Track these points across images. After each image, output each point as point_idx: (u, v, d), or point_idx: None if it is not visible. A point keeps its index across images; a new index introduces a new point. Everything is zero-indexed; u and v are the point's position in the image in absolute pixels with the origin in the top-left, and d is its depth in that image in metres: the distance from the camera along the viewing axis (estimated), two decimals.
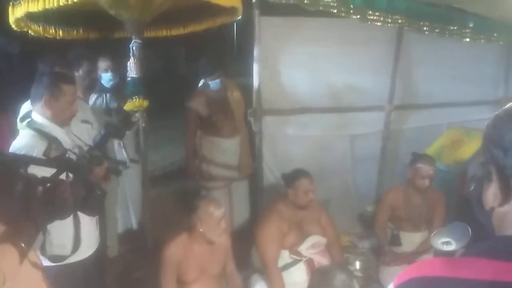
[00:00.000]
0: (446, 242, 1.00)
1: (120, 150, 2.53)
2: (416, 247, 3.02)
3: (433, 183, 2.94)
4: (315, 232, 2.67)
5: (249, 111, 3.34)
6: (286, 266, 2.58)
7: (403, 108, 3.65)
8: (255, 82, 3.23)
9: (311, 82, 3.40)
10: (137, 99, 2.63)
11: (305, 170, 2.67)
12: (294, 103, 3.37)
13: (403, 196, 3.04)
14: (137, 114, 2.84)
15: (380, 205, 3.16)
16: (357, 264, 3.05)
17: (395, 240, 3.07)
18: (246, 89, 3.43)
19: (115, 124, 2.90)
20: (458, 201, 3.32)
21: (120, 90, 3.08)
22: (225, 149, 3.42)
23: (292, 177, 2.64)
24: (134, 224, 3.58)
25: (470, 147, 3.31)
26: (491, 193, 0.73)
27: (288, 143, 3.41)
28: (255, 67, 3.14)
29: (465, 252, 0.74)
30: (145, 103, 2.67)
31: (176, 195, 4.29)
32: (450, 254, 0.93)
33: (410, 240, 3.05)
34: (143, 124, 2.82)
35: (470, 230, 1.00)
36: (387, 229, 3.14)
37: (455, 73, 3.67)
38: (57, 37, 2.95)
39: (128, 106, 2.66)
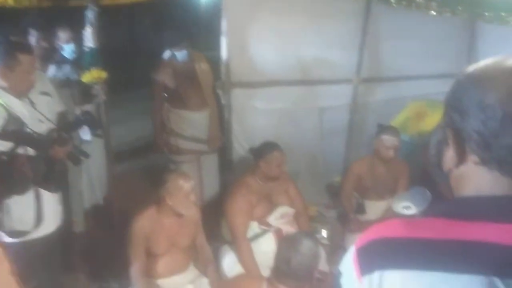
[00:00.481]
0: (407, 207, 1.02)
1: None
2: (380, 215, 3.14)
3: (397, 153, 3.03)
4: (284, 203, 2.72)
5: (217, 83, 3.29)
6: (255, 237, 2.62)
7: (370, 81, 3.69)
8: (223, 54, 3.17)
9: (280, 54, 3.37)
10: (95, 71, 2.53)
11: (276, 143, 2.69)
12: (262, 76, 3.34)
13: (368, 166, 3.12)
14: (97, 87, 2.74)
15: (347, 175, 3.23)
16: (324, 232, 3.13)
17: (360, 209, 3.17)
18: (214, 62, 3.37)
19: (93, 114, 2.80)
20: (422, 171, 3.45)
21: (81, 61, 2.96)
22: (194, 122, 3.38)
23: (264, 150, 2.65)
24: (100, 200, 3.52)
25: (433, 119, 3.41)
26: (449, 156, 0.74)
27: (257, 116, 3.40)
28: (223, 40, 3.07)
29: (424, 213, 0.76)
30: (104, 74, 2.58)
31: (144, 170, 4.24)
32: (410, 218, 0.96)
33: (375, 208, 3.16)
34: (104, 97, 2.73)
35: (430, 194, 1.03)
36: (353, 199, 3.23)
37: (420, 47, 3.73)
38: (6, 5, 2.76)
39: (86, 77, 2.57)
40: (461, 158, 0.71)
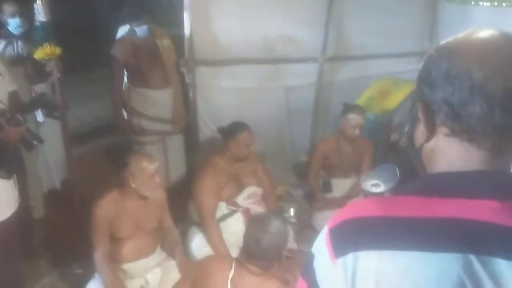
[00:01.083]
0: (375, 184, 1.01)
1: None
2: (346, 192, 3.19)
3: (362, 132, 3.07)
4: (252, 183, 2.70)
5: (181, 61, 3.18)
6: (223, 217, 2.60)
7: (335, 60, 3.68)
8: (187, 31, 3.06)
9: (244, 32, 3.29)
10: (48, 46, 2.37)
11: (245, 123, 2.65)
12: (227, 54, 3.26)
13: (334, 145, 3.15)
14: (51, 64, 2.57)
15: (313, 154, 3.25)
16: (292, 211, 3.16)
17: (327, 187, 3.21)
18: (177, 39, 3.25)
19: (51, 98, 2.63)
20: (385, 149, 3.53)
21: (32, 37, 2.76)
22: (157, 102, 3.25)
23: (233, 130, 2.61)
24: (57, 184, 3.36)
25: (397, 97, 3.47)
26: (420, 131, 0.74)
27: (222, 95, 3.33)
28: (186, 16, 2.96)
29: (397, 191, 0.75)
30: (57, 50, 2.43)
31: (104, 152, 4.08)
32: (379, 196, 0.95)
33: (341, 186, 3.22)
34: (58, 75, 2.57)
35: (398, 171, 1.02)
36: (319, 177, 3.27)
37: (384, 26, 3.75)
38: None
39: (38, 53, 2.41)
40: (431, 131, 0.71)
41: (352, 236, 0.67)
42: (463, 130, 0.66)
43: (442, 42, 0.71)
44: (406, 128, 0.81)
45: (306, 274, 0.76)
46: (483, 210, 0.64)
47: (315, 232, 3.06)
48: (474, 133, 0.65)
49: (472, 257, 0.61)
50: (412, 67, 3.97)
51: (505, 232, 0.62)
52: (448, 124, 0.67)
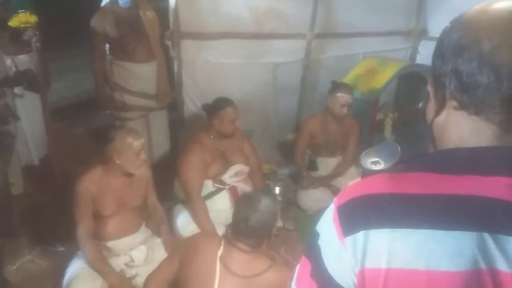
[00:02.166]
0: (375, 162, 0.98)
1: None
2: (331, 171, 3.20)
3: (349, 111, 3.05)
4: (238, 161, 2.67)
5: (165, 34, 3.07)
6: (210, 195, 2.57)
7: (323, 37, 3.64)
8: (172, 2, 2.95)
9: (232, 5, 3.20)
10: (23, 14, 2.25)
11: (229, 99, 2.58)
12: (214, 27, 3.17)
13: (321, 123, 3.14)
14: (28, 33, 2.44)
15: (300, 132, 3.23)
16: (277, 190, 3.15)
17: (313, 165, 3.21)
18: (162, 11, 3.12)
19: (35, 74, 2.50)
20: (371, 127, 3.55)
21: (7, 4, 2.61)
22: (140, 76, 3.14)
23: (217, 106, 2.54)
24: (36, 160, 3.25)
25: (383, 76, 3.45)
26: (431, 105, 0.73)
27: (208, 70, 3.25)
28: None
29: (407, 167, 0.72)
30: (33, 18, 2.31)
31: (85, 128, 3.97)
32: (387, 173, 0.92)
33: (326, 165, 3.22)
34: (37, 44, 2.44)
35: (399, 148, 1.00)
36: (305, 156, 3.26)
37: (371, 4, 3.71)
38: None
39: (13, 21, 2.29)
40: (440, 104, 0.70)
41: (362, 214, 0.65)
42: (471, 102, 0.65)
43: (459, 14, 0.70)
44: (421, 104, 0.79)
45: (310, 253, 0.74)
46: (496, 187, 0.62)
47: (300, 210, 3.08)
48: (482, 105, 0.64)
49: (486, 235, 0.60)
50: (399, 46, 3.98)
51: None
52: (457, 96, 0.66)
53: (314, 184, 3.08)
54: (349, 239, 0.65)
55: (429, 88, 0.72)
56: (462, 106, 0.66)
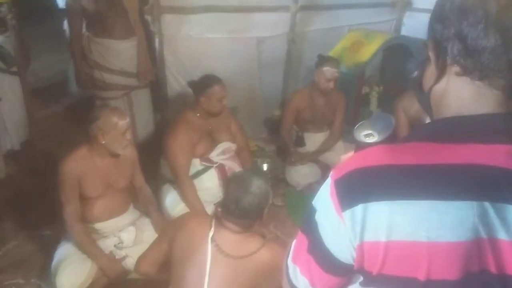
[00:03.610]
0: (369, 134, 0.96)
1: None
2: (319, 146, 3.19)
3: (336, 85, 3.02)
4: (225, 139, 2.63)
5: (145, 8, 2.95)
6: (198, 174, 2.53)
7: (308, 9, 3.57)
8: None
9: None
10: None
11: (216, 76, 2.52)
12: (195, 1, 3.07)
13: (307, 98, 3.10)
14: (3, 9, 2.31)
15: (286, 108, 3.20)
16: (265, 167, 3.14)
17: (300, 141, 3.19)
18: None
19: (9, 51, 2.36)
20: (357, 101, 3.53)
21: None
22: (119, 53, 3.01)
23: (204, 84, 2.48)
24: (17, 145, 3.14)
25: (369, 49, 3.43)
26: (430, 72, 0.71)
27: (191, 46, 3.16)
28: None
29: (406, 137, 0.70)
30: None
31: (65, 108, 3.84)
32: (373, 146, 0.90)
33: (313, 140, 3.21)
34: (13, 22, 2.32)
35: (393, 120, 0.98)
36: (292, 131, 3.24)
37: None
38: None
39: None
40: (441, 69, 0.68)
41: (361, 187, 0.64)
42: (475, 66, 0.63)
43: None
44: (415, 73, 0.76)
45: (307, 229, 0.73)
46: (497, 155, 0.61)
47: (288, 186, 3.08)
48: (487, 69, 0.62)
49: (487, 205, 0.60)
50: (384, 18, 3.94)
51: None
52: (460, 61, 0.64)
53: (302, 160, 3.07)
54: (347, 213, 0.64)
55: (430, 54, 0.69)
56: (465, 72, 0.64)
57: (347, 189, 0.65)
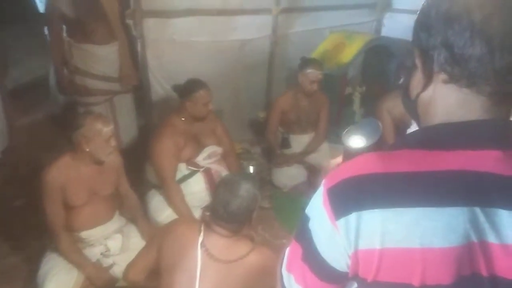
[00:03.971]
0: (357, 139, 0.97)
1: None
2: (304, 147, 3.22)
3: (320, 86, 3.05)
4: (211, 143, 2.62)
5: (126, 12, 2.92)
6: (184, 178, 2.52)
7: (289, 11, 3.59)
8: None
9: None
10: None
11: (201, 80, 2.51)
12: (177, 4, 3.05)
13: (292, 100, 3.13)
14: None
15: (272, 110, 3.21)
16: (251, 169, 3.14)
17: (285, 143, 3.21)
18: None
19: None
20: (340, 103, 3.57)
21: None
22: (101, 58, 2.97)
23: (189, 89, 2.47)
24: None
25: (351, 50, 3.47)
26: (416, 79, 0.72)
27: (174, 49, 3.14)
28: None
29: (395, 144, 0.72)
30: None
31: (47, 114, 3.76)
32: (362, 151, 0.92)
33: (299, 142, 3.23)
34: None
35: (380, 125, 1.00)
36: (278, 133, 3.25)
37: None
38: None
39: None
40: (428, 77, 0.68)
41: (354, 196, 0.65)
42: (463, 74, 0.64)
43: None
44: (402, 80, 0.77)
45: (301, 237, 0.74)
46: (485, 160, 0.63)
47: (275, 188, 3.10)
48: (474, 77, 0.63)
49: (477, 210, 0.61)
50: (364, 19, 4.00)
51: (505, 182, 0.62)
52: (447, 69, 0.65)
53: (287, 161, 3.09)
54: (341, 222, 0.65)
55: (416, 61, 0.70)
56: (452, 79, 0.65)
57: (340, 197, 0.66)
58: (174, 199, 2.41)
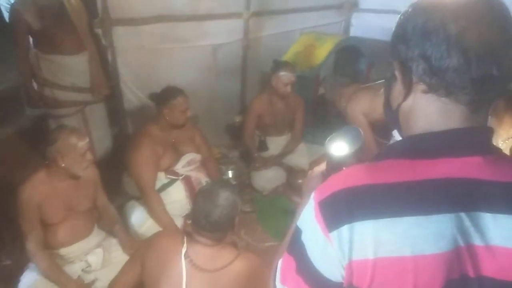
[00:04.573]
0: (340, 147, 1.00)
1: None
2: (281, 149, 3.24)
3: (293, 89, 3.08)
4: (189, 150, 2.61)
5: (94, 21, 2.86)
6: (164, 187, 2.50)
7: (260, 15, 3.60)
8: None
9: None
10: None
11: (178, 88, 2.50)
12: (146, 11, 3.00)
13: (267, 103, 3.15)
14: None
15: (247, 114, 3.22)
16: (230, 173, 3.13)
17: (263, 146, 3.23)
18: None
19: None
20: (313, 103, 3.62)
21: None
22: (71, 69, 2.89)
23: (166, 96, 2.45)
24: None
25: (322, 51, 3.52)
26: (397, 90, 0.74)
27: (145, 57, 3.09)
28: None
29: (380, 155, 0.74)
30: None
31: (17, 128, 3.63)
32: (345, 158, 0.94)
33: (276, 144, 3.25)
34: None
35: (361, 131, 1.02)
36: (255, 137, 3.26)
37: None
38: None
39: None
40: (408, 88, 0.71)
41: (345, 208, 0.66)
42: (441, 84, 0.66)
43: None
44: (382, 91, 0.79)
45: (294, 250, 0.74)
46: (468, 167, 0.66)
47: (255, 191, 3.11)
48: (452, 87, 0.65)
49: (463, 215, 0.64)
50: (333, 20, 4.07)
51: (487, 187, 0.65)
52: (426, 80, 0.67)
53: (266, 164, 3.11)
54: (334, 234, 0.66)
55: (396, 73, 0.72)
56: (431, 89, 0.67)
57: (331, 210, 0.67)
58: (156, 209, 2.38)
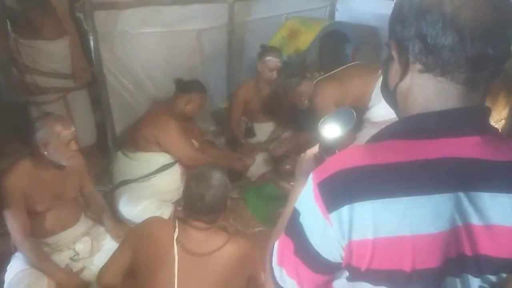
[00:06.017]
0: (333, 129, 1.00)
1: None
2: (268, 136, 3.24)
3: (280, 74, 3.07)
4: (191, 138, 2.72)
5: (75, 5, 2.78)
6: (162, 168, 2.59)
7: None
8: None
9: None
10: None
11: (203, 84, 2.75)
12: None
13: (254, 89, 3.13)
14: None
15: (234, 100, 3.20)
16: None
17: (250, 132, 3.22)
18: None
19: None
20: None
21: None
22: (51, 54, 2.81)
23: (193, 88, 2.68)
24: None
25: (308, 36, 3.50)
26: (394, 70, 0.74)
27: (128, 42, 3.02)
28: None
29: (378, 135, 0.74)
30: None
31: None
32: (337, 140, 0.95)
33: (263, 130, 3.25)
34: None
35: (354, 113, 1.03)
36: (242, 123, 3.25)
37: None
38: None
39: None
40: (405, 68, 0.71)
41: (344, 189, 0.66)
42: (436, 63, 0.66)
43: None
44: (380, 72, 0.80)
45: (292, 232, 0.74)
46: (467, 146, 0.67)
47: (243, 178, 3.10)
48: (448, 66, 0.66)
49: (461, 194, 0.65)
50: (318, 4, 4.04)
51: (486, 166, 0.66)
52: (422, 59, 0.68)
53: (253, 150, 3.11)
54: (333, 215, 0.66)
55: (393, 53, 0.73)
56: (427, 69, 0.68)
57: (331, 191, 0.67)
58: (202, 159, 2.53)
